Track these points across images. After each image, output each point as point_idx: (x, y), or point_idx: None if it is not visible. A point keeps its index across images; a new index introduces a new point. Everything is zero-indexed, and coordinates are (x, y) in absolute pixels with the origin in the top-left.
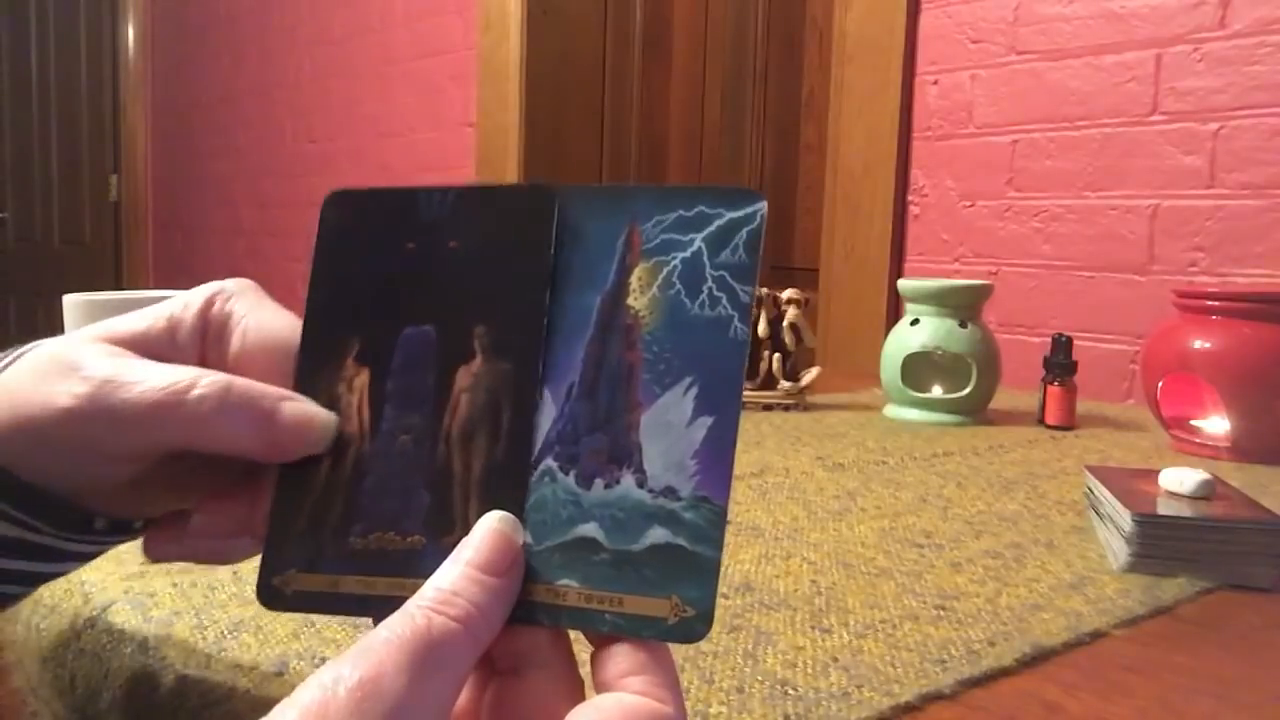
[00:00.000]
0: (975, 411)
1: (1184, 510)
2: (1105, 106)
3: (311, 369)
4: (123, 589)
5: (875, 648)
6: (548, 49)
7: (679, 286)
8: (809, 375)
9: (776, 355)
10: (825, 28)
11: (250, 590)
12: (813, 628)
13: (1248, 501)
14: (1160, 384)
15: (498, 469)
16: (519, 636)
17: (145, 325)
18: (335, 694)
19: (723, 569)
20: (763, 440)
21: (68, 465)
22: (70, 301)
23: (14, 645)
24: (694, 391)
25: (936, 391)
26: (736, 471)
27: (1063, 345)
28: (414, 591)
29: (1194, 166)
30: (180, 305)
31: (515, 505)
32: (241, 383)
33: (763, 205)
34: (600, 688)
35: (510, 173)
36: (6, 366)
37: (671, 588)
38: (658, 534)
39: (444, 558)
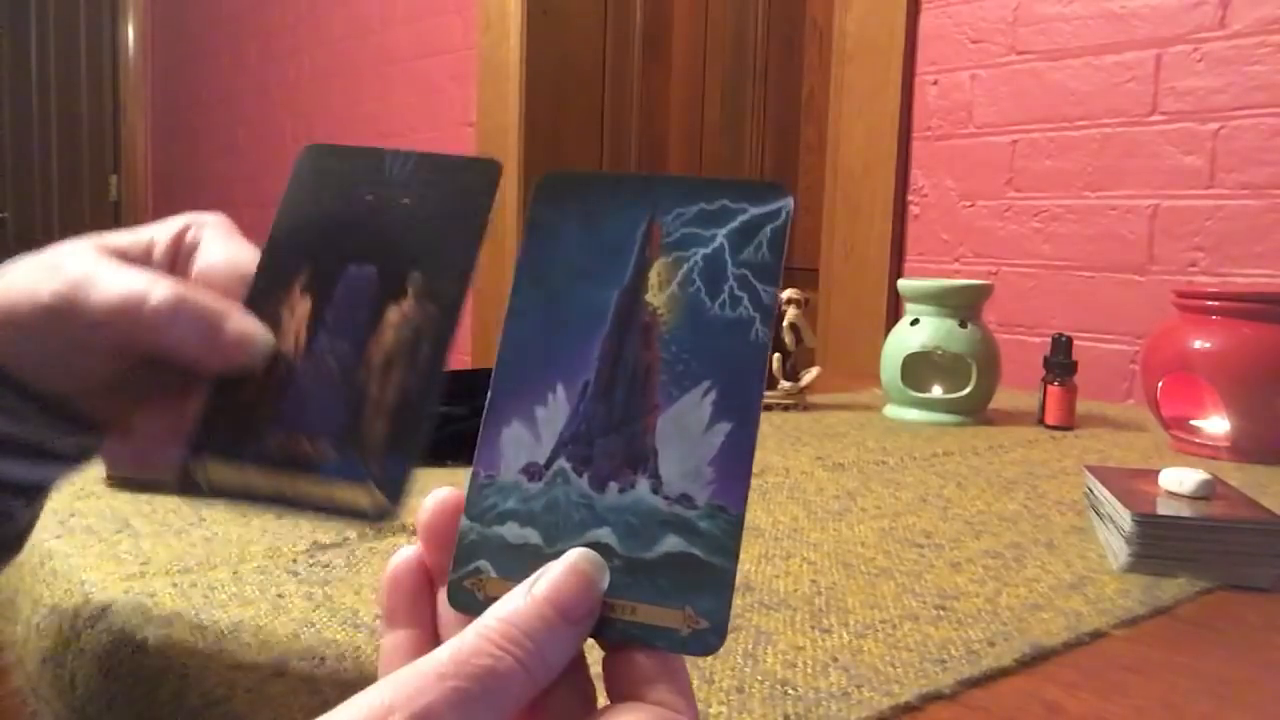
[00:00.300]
0: (975, 411)
1: (1184, 510)
2: (1105, 106)
3: (261, 291)
4: (123, 589)
5: (875, 648)
6: (548, 49)
7: (699, 284)
8: (809, 375)
9: (776, 355)
10: (825, 28)
11: (250, 590)
12: (813, 628)
13: (1248, 501)
14: (1160, 384)
15: (410, 398)
16: None
17: (129, 241)
18: None
19: None
20: (763, 440)
21: (52, 360)
22: None
23: (14, 645)
24: (712, 396)
25: (936, 391)
26: None
27: (1063, 345)
28: (321, 497)
29: (1194, 166)
30: (159, 228)
31: (420, 435)
32: (193, 294)
33: (789, 202)
34: (613, 695)
35: (510, 172)
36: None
37: (685, 599)
38: (672, 542)
39: (350, 470)
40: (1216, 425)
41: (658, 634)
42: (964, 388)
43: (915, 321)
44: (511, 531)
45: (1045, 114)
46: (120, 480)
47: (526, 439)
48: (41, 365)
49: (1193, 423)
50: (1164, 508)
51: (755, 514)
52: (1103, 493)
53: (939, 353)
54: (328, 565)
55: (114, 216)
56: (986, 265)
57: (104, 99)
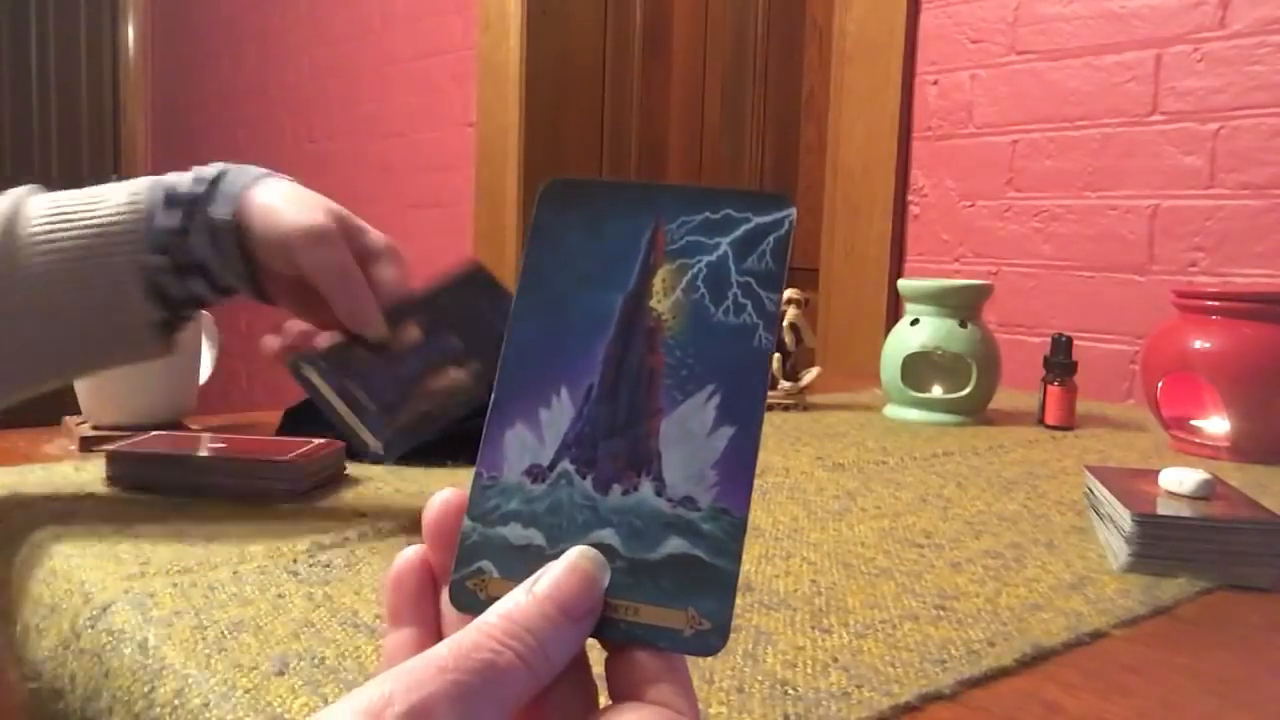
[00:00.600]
0: (975, 411)
1: (1184, 510)
2: (1105, 106)
3: (399, 311)
4: (123, 589)
5: (875, 648)
6: (548, 49)
7: (703, 291)
8: (809, 375)
9: (776, 355)
10: (825, 28)
11: (250, 590)
12: (813, 628)
13: (1248, 501)
14: (1160, 384)
15: (431, 415)
16: None
17: (357, 224)
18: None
19: None
20: (763, 440)
21: (283, 257)
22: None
23: (14, 645)
24: (715, 400)
25: (936, 391)
26: None
27: (1063, 345)
28: (351, 424)
29: (1194, 166)
30: (375, 232)
31: (423, 436)
32: (360, 279)
33: (792, 212)
34: (616, 695)
35: (510, 172)
36: (253, 180)
37: (688, 600)
38: (675, 544)
39: (375, 424)
40: (1216, 425)
41: (660, 634)
42: (964, 388)
43: (915, 321)
44: (514, 532)
45: (1045, 114)
46: (120, 480)
47: (530, 441)
48: (274, 257)
49: (1193, 423)
50: (1164, 508)
51: (755, 514)
52: (1103, 493)
53: (939, 353)
54: (328, 565)
55: None
56: (986, 265)
57: (104, 99)
